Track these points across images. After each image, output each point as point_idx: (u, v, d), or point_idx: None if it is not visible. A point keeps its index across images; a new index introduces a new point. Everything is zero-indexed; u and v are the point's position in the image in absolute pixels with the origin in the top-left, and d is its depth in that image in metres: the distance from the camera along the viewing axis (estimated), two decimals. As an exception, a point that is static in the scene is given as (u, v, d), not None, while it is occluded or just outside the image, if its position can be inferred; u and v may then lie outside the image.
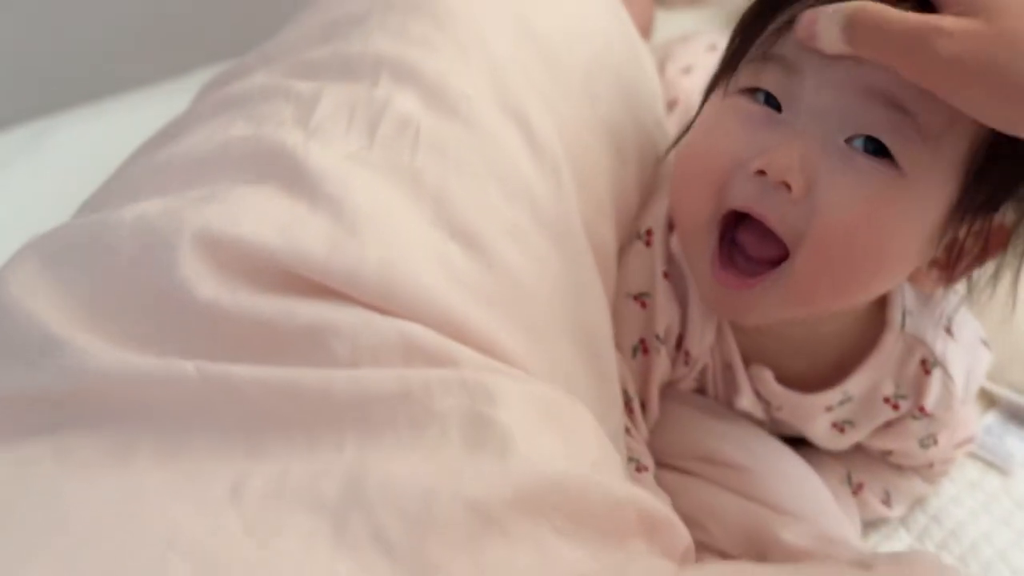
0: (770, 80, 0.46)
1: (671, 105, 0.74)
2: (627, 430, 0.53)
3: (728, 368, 0.57)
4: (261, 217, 0.42)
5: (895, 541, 0.61)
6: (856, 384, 0.55)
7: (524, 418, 0.37)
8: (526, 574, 0.33)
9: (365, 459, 0.36)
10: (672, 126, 0.68)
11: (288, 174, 0.45)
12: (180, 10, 0.95)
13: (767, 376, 0.56)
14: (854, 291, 0.47)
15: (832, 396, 0.55)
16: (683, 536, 0.40)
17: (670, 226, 0.56)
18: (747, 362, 0.56)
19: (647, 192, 0.62)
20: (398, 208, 0.46)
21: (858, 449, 0.61)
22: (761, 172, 0.44)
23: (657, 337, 0.55)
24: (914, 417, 0.55)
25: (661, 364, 0.56)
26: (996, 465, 0.65)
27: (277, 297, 0.41)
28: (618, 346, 0.54)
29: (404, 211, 0.46)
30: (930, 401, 0.54)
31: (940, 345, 0.53)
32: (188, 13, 0.95)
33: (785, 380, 0.56)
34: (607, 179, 0.58)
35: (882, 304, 0.53)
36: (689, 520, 0.45)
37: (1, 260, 0.46)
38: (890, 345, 0.53)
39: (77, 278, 0.42)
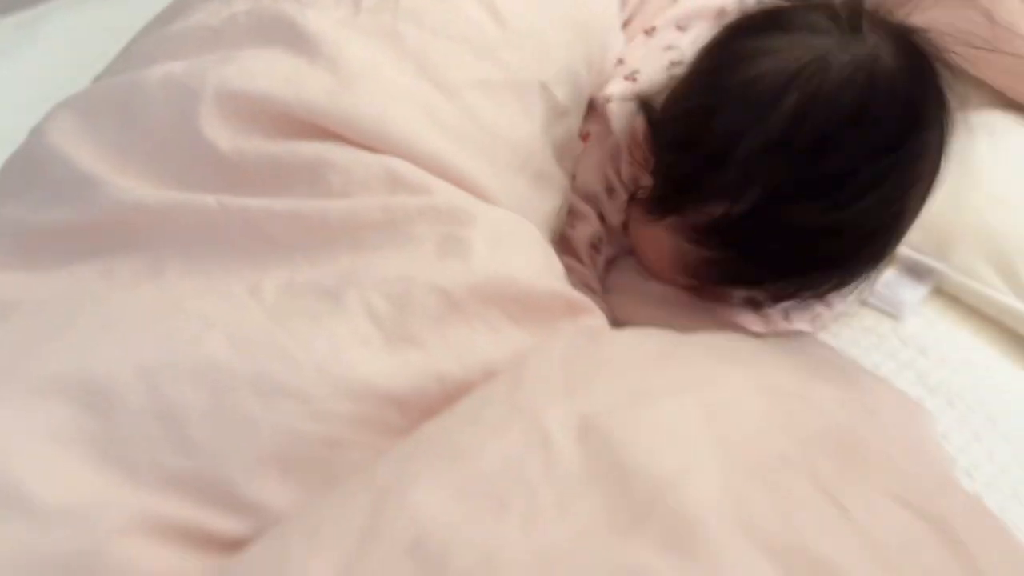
0: None
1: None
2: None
3: None
4: (271, 72, 0.51)
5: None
6: None
7: (486, 235, 0.47)
8: (483, 349, 0.43)
9: (356, 264, 0.45)
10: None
11: (290, 37, 0.54)
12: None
13: None
14: None
15: None
16: (601, 318, 0.51)
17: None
18: None
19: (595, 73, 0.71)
20: (385, 64, 0.54)
21: None
22: None
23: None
24: None
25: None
26: (890, 313, 0.76)
27: (284, 140, 0.50)
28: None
29: (390, 66, 0.54)
30: None
31: None
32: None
33: None
34: (563, 53, 0.67)
35: None
36: None
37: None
38: None
39: (111, 127, 0.51)
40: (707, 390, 0.38)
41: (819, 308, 0.73)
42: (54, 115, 0.52)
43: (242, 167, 0.48)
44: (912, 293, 0.77)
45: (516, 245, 0.49)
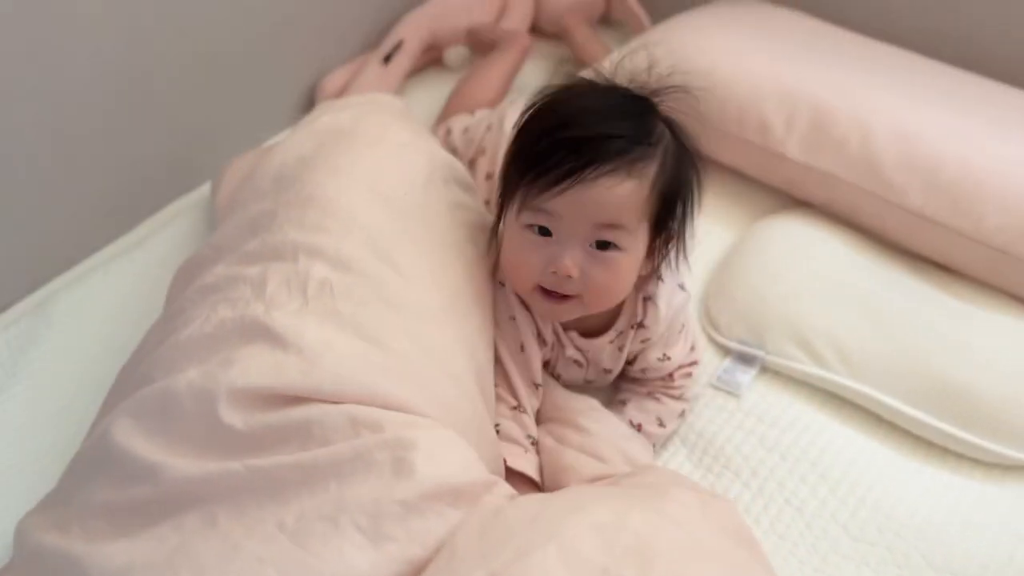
0: (543, 220, 0.82)
1: None
2: (522, 413, 0.92)
3: (557, 337, 0.95)
4: (260, 368, 0.75)
5: (675, 453, 0.99)
6: (619, 323, 0.94)
7: (425, 453, 0.71)
8: (435, 531, 0.68)
9: (342, 491, 0.69)
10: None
11: (265, 335, 0.78)
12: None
13: (575, 335, 0.94)
14: (614, 302, 0.89)
15: (611, 334, 0.94)
16: (506, 487, 0.75)
17: None
18: (565, 331, 0.94)
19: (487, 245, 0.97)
20: (334, 338, 0.79)
21: (631, 399, 0.98)
22: (554, 272, 0.82)
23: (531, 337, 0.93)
24: (641, 327, 0.93)
25: (535, 350, 0.93)
26: (732, 392, 1.02)
27: (278, 411, 0.74)
28: (510, 348, 0.93)
29: (337, 338, 0.79)
30: (646, 319, 0.93)
31: (652, 288, 0.92)
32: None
33: (586, 335, 0.94)
34: (461, 263, 0.92)
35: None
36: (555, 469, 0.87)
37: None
38: (631, 299, 0.93)
39: (156, 425, 0.75)
40: (561, 537, 0.63)
41: (676, 406, 0.99)
42: (116, 417, 0.76)
43: (254, 437, 0.72)
44: (744, 375, 1.03)
45: (445, 455, 0.73)
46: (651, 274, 0.91)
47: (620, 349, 0.96)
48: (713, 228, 1.21)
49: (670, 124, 0.85)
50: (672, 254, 0.89)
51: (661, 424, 0.97)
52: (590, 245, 0.82)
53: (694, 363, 1.00)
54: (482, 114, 1.27)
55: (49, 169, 1.11)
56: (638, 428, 0.96)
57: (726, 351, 1.07)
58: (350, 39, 1.48)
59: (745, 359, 1.05)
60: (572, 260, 0.82)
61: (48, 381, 1.04)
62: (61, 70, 1.06)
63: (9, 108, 1.03)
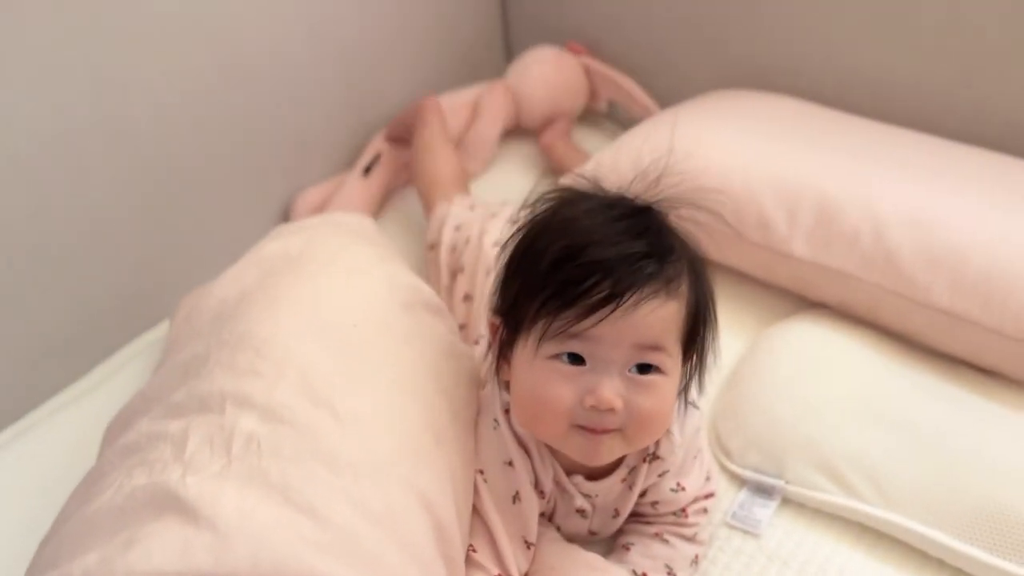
0: (575, 347, 0.71)
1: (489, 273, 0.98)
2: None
3: (560, 485, 0.81)
4: (165, 549, 0.64)
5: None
6: (630, 457, 0.81)
7: None
8: None
9: None
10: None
11: (176, 506, 0.67)
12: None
13: (580, 479, 0.81)
14: (658, 435, 0.77)
15: (622, 471, 0.81)
16: None
17: (506, 411, 0.81)
18: (569, 475, 0.81)
19: (466, 380, 0.86)
20: (257, 505, 0.67)
21: (636, 543, 0.85)
22: (593, 405, 0.70)
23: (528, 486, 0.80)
24: (656, 458, 0.81)
25: (532, 501, 0.80)
26: (750, 531, 0.88)
27: None
28: (500, 499, 0.79)
29: (261, 506, 0.67)
30: (660, 450, 0.81)
31: None
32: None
33: (592, 476, 0.81)
34: (419, 403, 0.81)
35: None
36: None
37: None
38: None
39: None
40: None
41: (688, 550, 0.85)
42: None
43: None
44: (763, 510, 0.90)
45: None
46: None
47: (631, 488, 0.82)
48: (720, 336, 1.08)
49: (677, 230, 0.76)
50: (697, 375, 0.78)
51: (671, 573, 0.84)
52: (629, 370, 0.71)
53: (710, 495, 0.87)
54: (476, 213, 1.17)
55: None
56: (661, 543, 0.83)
57: (741, 481, 0.93)
58: (328, 156, 1.41)
59: (763, 490, 0.91)
60: (613, 389, 0.70)
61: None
62: (9, 193, 1.00)
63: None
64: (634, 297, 0.69)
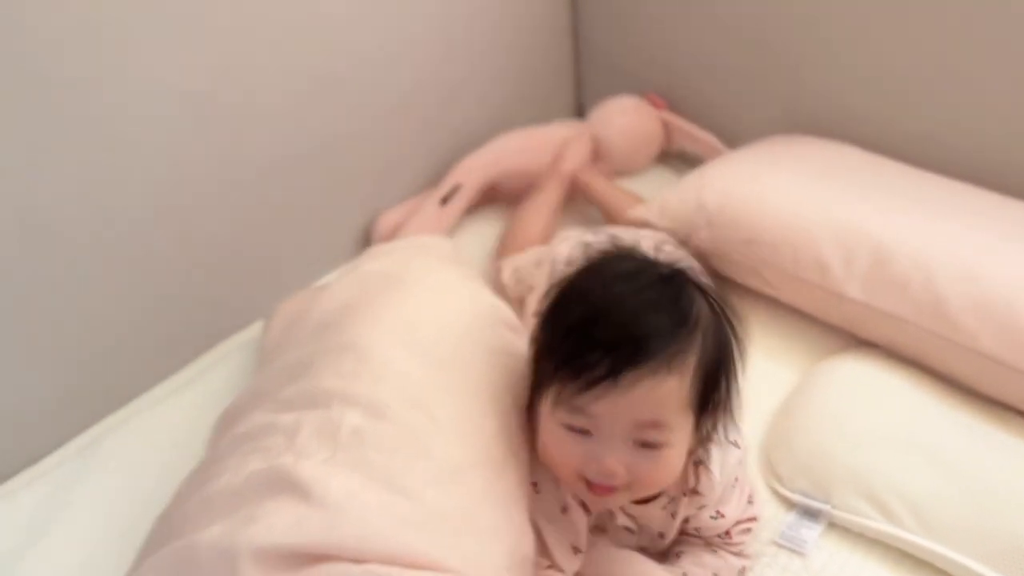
0: (580, 422, 0.79)
1: None
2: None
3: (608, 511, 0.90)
4: (283, 523, 0.72)
5: (736, 620, 0.91)
6: (671, 489, 0.87)
7: None
8: None
9: None
10: None
11: (290, 488, 0.76)
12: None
13: (627, 504, 0.89)
14: (664, 487, 0.84)
15: (663, 500, 0.88)
16: None
17: None
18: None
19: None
20: (360, 489, 0.76)
21: (687, 551, 0.92)
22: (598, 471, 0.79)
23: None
24: (695, 493, 0.87)
25: (579, 513, 0.87)
26: (796, 551, 0.95)
27: (299, 571, 0.70)
28: (550, 508, 0.87)
29: (365, 490, 0.76)
30: (700, 486, 0.87)
31: (702, 453, 0.86)
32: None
33: (635, 501, 0.87)
34: (497, 415, 0.89)
35: None
36: None
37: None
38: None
39: None
40: None
41: (736, 562, 0.92)
42: (144, 571, 0.75)
43: None
44: (810, 532, 0.96)
45: None
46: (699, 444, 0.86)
47: (673, 516, 0.90)
48: (773, 369, 1.16)
49: (706, 293, 0.81)
50: (720, 423, 0.84)
51: None
52: (632, 442, 0.78)
53: (752, 519, 0.94)
54: (532, 252, 1.27)
55: (99, 308, 1.13)
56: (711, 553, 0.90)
57: (790, 504, 1.00)
58: (405, 180, 1.51)
59: (810, 513, 0.98)
60: (616, 460, 0.78)
61: (88, 526, 1.03)
62: (115, 206, 1.10)
63: (63, 246, 1.07)
64: (630, 377, 0.74)
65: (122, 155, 1.09)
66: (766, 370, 1.14)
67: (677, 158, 1.64)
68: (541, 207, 1.42)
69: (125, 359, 1.19)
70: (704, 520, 0.90)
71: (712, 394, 0.80)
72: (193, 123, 1.15)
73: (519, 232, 1.38)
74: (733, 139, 1.52)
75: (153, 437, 1.13)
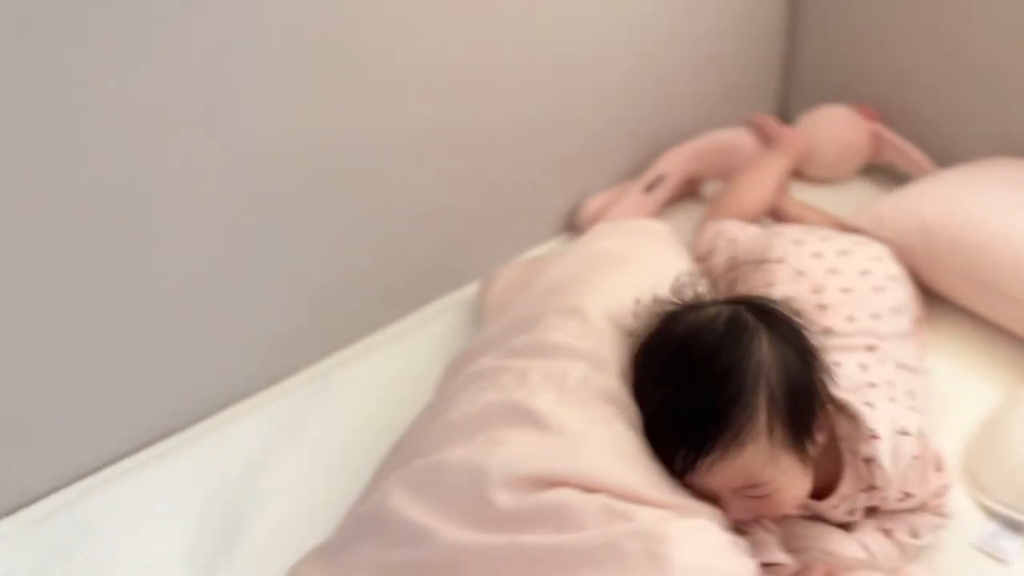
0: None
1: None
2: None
3: None
4: (527, 451, 0.80)
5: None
6: (843, 488, 0.90)
7: (680, 541, 0.72)
8: None
9: None
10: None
11: (527, 419, 0.83)
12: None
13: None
14: (797, 505, 0.88)
15: (835, 499, 0.90)
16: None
17: None
18: None
19: None
20: (589, 425, 0.83)
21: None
22: None
23: None
24: (873, 488, 0.89)
25: None
26: (998, 558, 0.95)
27: (537, 493, 0.77)
28: None
29: (593, 426, 0.83)
30: (876, 480, 0.88)
31: (869, 449, 0.87)
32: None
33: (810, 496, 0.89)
34: None
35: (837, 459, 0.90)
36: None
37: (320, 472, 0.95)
38: (850, 463, 0.89)
39: (429, 495, 0.81)
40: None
41: (934, 521, 0.94)
42: (392, 485, 0.84)
43: (516, 516, 0.76)
44: (1012, 544, 0.96)
45: (701, 542, 0.73)
46: (831, 442, 0.88)
47: (851, 513, 0.92)
48: (977, 386, 1.15)
49: (770, 325, 0.84)
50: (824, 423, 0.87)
51: (914, 535, 0.92)
52: (745, 495, 0.83)
53: (944, 486, 0.93)
54: (750, 232, 1.30)
55: (344, 256, 1.26)
56: (887, 535, 0.92)
57: (991, 513, 1.00)
58: (610, 167, 1.57)
59: (1013, 526, 0.97)
60: (736, 512, 0.83)
61: (323, 443, 1.15)
62: (386, 151, 1.22)
63: (327, 207, 1.20)
64: (706, 463, 0.79)
65: (401, 102, 1.20)
66: (968, 385, 1.15)
67: (880, 171, 1.63)
68: (760, 178, 1.45)
69: (353, 300, 1.31)
70: (891, 503, 0.91)
71: (800, 423, 0.83)
72: (449, 86, 1.25)
73: (732, 198, 1.42)
74: (940, 158, 1.51)
75: (377, 375, 1.25)
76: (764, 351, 0.82)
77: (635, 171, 1.58)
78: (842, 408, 0.90)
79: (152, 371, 1.13)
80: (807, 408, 0.84)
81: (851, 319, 1.05)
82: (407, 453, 0.91)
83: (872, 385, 0.96)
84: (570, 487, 0.78)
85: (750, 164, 1.49)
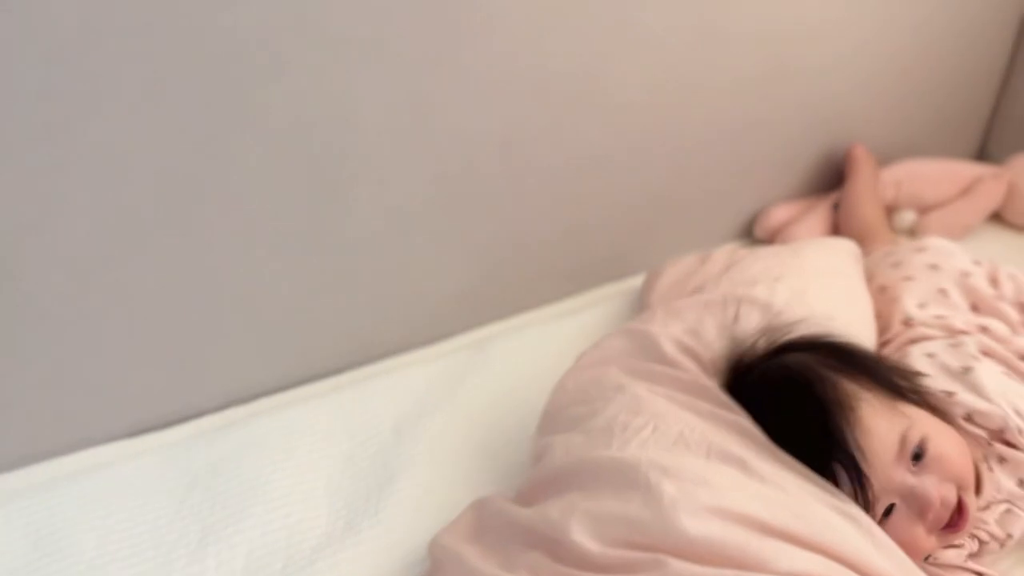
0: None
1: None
2: None
3: None
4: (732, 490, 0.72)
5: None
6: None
7: None
8: None
9: None
10: None
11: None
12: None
13: None
14: (967, 467, 0.81)
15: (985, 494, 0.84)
16: None
17: None
18: None
19: None
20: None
21: None
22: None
23: None
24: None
25: None
26: None
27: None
28: None
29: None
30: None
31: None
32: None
33: None
34: None
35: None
36: None
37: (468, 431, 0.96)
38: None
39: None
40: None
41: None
42: (571, 523, 0.71)
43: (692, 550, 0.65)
44: None
45: None
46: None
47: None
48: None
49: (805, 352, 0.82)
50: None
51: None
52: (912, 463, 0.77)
53: None
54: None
55: (516, 230, 1.24)
56: None
57: None
58: (798, 179, 1.50)
59: None
60: (928, 487, 0.76)
61: (476, 409, 1.12)
62: (568, 150, 1.20)
63: (515, 173, 1.17)
64: (842, 446, 0.75)
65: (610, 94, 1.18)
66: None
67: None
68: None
69: (523, 274, 1.29)
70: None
71: (877, 370, 0.81)
72: (656, 88, 1.23)
73: (850, 224, 1.37)
74: None
75: (535, 349, 1.22)
76: (806, 359, 0.82)
77: (823, 186, 1.51)
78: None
79: (323, 313, 1.14)
80: (872, 360, 0.84)
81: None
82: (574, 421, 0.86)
83: None
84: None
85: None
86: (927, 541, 0.77)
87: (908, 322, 1.00)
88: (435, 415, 1.11)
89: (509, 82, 1.09)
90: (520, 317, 1.30)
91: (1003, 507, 0.84)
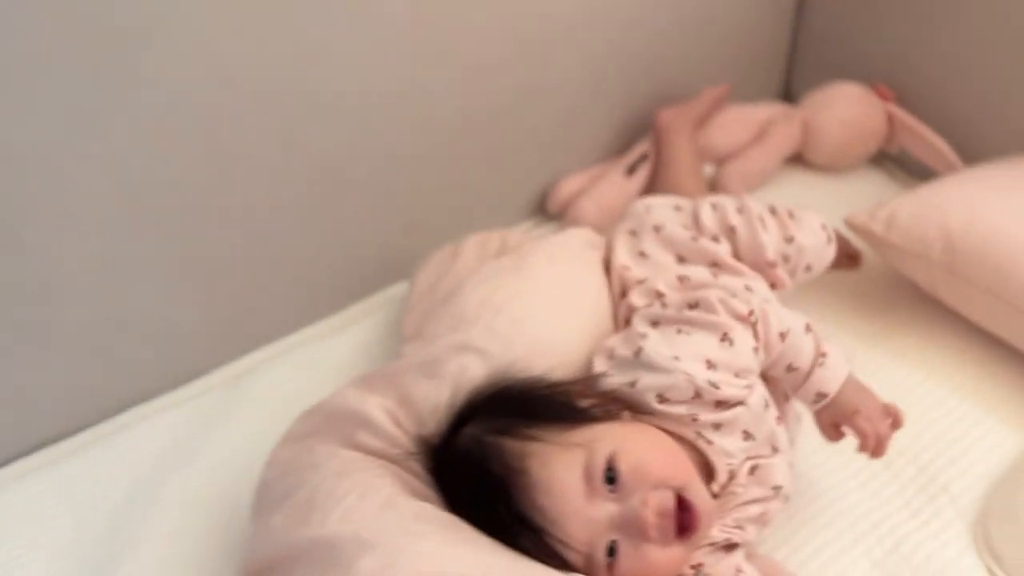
0: None
1: None
2: None
3: None
4: None
5: None
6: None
7: None
8: None
9: None
10: None
11: None
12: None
13: None
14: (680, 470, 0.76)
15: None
16: None
17: None
18: None
19: None
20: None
21: None
22: None
23: None
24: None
25: None
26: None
27: None
28: None
29: None
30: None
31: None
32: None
33: None
34: None
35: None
36: None
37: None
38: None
39: None
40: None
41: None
42: None
43: None
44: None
45: None
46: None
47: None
48: (996, 428, 0.99)
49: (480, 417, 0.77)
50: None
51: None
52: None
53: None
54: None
55: (265, 244, 1.10)
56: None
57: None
58: (588, 146, 1.40)
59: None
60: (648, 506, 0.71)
61: (231, 457, 1.00)
62: (303, 151, 1.06)
63: (242, 181, 1.04)
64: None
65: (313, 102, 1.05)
66: (988, 428, 0.99)
67: (893, 161, 1.46)
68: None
69: (280, 294, 1.15)
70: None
71: (527, 406, 0.76)
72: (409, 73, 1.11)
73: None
74: (965, 151, 1.33)
75: (298, 375, 1.10)
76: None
77: (618, 151, 1.41)
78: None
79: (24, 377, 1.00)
80: (543, 398, 0.77)
81: None
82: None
83: None
84: None
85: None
86: (670, 555, 0.71)
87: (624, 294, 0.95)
88: (182, 471, 0.99)
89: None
90: (283, 341, 1.17)
91: (747, 466, 0.80)
